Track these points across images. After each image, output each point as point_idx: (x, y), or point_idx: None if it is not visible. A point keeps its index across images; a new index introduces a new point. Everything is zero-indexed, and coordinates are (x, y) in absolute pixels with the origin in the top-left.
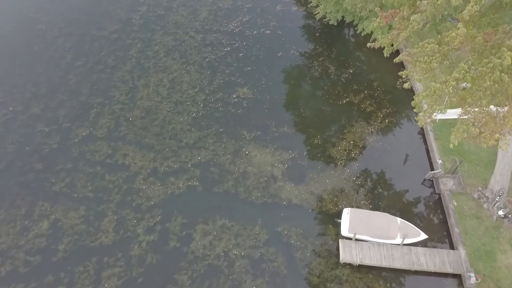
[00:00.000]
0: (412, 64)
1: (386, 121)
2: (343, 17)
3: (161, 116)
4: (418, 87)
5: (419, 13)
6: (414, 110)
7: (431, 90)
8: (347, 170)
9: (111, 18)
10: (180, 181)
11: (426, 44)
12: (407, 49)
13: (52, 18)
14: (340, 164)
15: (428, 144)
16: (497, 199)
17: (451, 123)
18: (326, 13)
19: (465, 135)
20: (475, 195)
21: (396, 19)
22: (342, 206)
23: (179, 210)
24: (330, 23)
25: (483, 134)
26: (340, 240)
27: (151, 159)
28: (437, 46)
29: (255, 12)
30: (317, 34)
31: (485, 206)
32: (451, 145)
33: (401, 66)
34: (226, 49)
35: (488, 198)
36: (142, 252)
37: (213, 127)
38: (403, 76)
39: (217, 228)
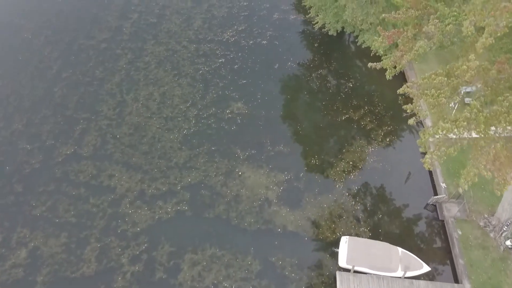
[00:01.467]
0: (417, 97)
1: (387, 139)
2: (343, 27)
3: (150, 133)
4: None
5: (425, 39)
6: (420, 149)
7: (439, 129)
8: (346, 194)
9: (100, 25)
10: (169, 205)
11: (433, 76)
12: (412, 79)
13: (38, 25)
14: (339, 187)
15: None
16: (504, 229)
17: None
18: (325, 23)
19: (476, 179)
20: (481, 223)
21: (399, 39)
22: (340, 234)
23: (166, 237)
24: (329, 33)
25: (497, 180)
26: (337, 273)
27: (139, 181)
28: (445, 79)
29: (252, 20)
30: (315, 45)
31: (491, 235)
32: (460, 189)
33: (403, 79)
34: (220, 61)
35: (494, 227)
36: (126, 284)
37: (205, 145)
38: (408, 111)
39: (206, 258)
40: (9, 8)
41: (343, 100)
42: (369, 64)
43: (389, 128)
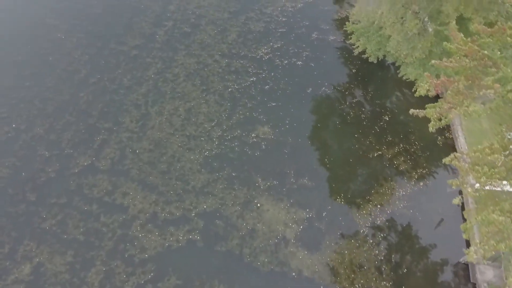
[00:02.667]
0: (465, 172)
1: (421, 184)
2: (384, 56)
3: (170, 151)
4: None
5: (481, 103)
6: (464, 235)
7: (489, 221)
8: (370, 241)
9: (133, 31)
10: (181, 232)
11: (487, 150)
12: (460, 149)
13: (72, 27)
14: (363, 232)
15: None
16: None
17: (500, 196)
18: (366, 48)
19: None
20: None
21: (449, 91)
22: (359, 286)
23: (174, 268)
24: (369, 60)
25: None
26: None
27: (153, 202)
28: (502, 157)
29: (289, 38)
30: (353, 70)
31: None
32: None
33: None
34: (252, 79)
35: None
36: None
37: (225, 170)
38: (453, 187)
39: None
40: (44, 8)
41: (377, 135)
42: (411, 111)
43: (424, 171)
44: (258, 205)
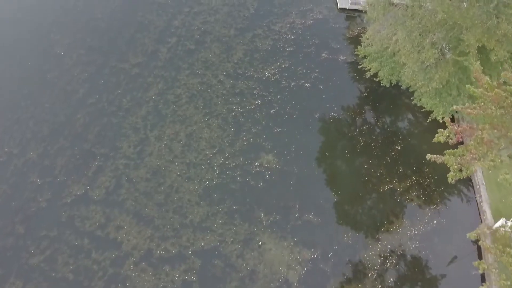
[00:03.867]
0: (493, 254)
1: (434, 222)
2: (398, 81)
3: (169, 181)
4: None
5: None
6: (479, 270)
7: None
8: (379, 286)
9: (135, 48)
10: (176, 272)
11: None
12: (486, 223)
13: (74, 41)
14: (371, 275)
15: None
16: None
17: None
18: (379, 71)
19: None
20: None
21: (471, 141)
22: None
23: None
24: (381, 83)
25: None
26: None
27: (148, 237)
28: None
29: (297, 57)
30: (364, 94)
31: None
32: None
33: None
34: (257, 102)
35: None
36: None
37: (225, 203)
38: (480, 271)
39: None
40: (48, 21)
41: (388, 166)
42: (428, 156)
43: (439, 208)
44: (260, 243)
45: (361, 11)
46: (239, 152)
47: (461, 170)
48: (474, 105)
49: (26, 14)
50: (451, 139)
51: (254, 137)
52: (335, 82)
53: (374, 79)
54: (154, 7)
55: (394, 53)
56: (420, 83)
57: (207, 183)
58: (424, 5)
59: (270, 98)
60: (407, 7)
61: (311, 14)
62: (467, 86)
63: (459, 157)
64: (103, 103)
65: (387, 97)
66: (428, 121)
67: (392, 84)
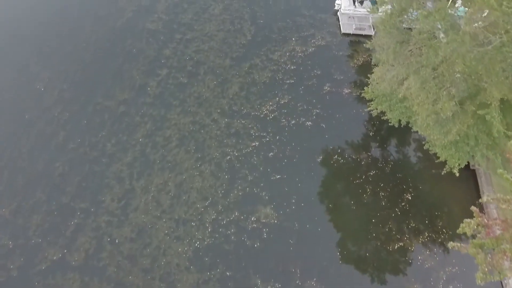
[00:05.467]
0: None
1: (450, 287)
2: (408, 122)
3: (155, 241)
4: None
5: None
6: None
7: None
8: None
9: (123, 82)
10: None
11: None
12: None
13: (55, 74)
14: None
15: None
16: None
17: None
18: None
19: None
20: None
21: (507, 237)
22: None
23: None
24: (389, 123)
25: None
26: None
27: None
28: None
29: (297, 91)
30: (371, 133)
31: None
32: None
33: (476, 193)
34: (254, 144)
35: None
36: None
37: (218, 268)
38: None
39: None
40: (29, 51)
41: (398, 220)
42: (451, 245)
43: (454, 270)
44: None
45: (366, 36)
46: (233, 204)
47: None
48: (508, 196)
49: (1, 42)
50: (479, 232)
51: (251, 186)
52: (338, 119)
53: (382, 117)
54: (144, 34)
55: (404, 97)
56: (435, 137)
57: (197, 244)
58: (440, 52)
59: (268, 139)
60: (421, 50)
61: (312, 41)
62: (499, 171)
63: (489, 256)
64: (85, 147)
65: (396, 138)
66: (442, 173)
67: (402, 125)
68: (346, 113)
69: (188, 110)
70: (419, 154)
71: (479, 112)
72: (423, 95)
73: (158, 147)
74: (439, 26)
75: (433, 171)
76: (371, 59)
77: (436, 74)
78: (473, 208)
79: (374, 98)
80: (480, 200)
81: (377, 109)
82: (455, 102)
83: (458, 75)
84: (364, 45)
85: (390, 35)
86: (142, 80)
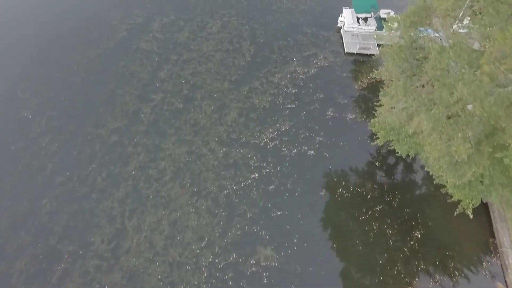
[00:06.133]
0: None
1: None
2: (416, 153)
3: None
4: None
5: None
6: None
7: None
8: None
9: (115, 108)
10: None
11: None
12: None
13: (44, 101)
14: None
15: None
16: None
17: None
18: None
19: None
20: None
21: None
22: None
23: None
24: (397, 153)
25: None
26: None
27: None
28: None
29: (299, 117)
30: (377, 163)
31: None
32: None
33: (489, 228)
34: (253, 176)
35: None
36: None
37: None
38: None
39: None
40: (14, 75)
41: (407, 260)
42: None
43: None
44: None
45: (370, 55)
46: (231, 245)
47: None
48: None
49: None
50: None
51: (250, 224)
52: (342, 148)
53: (389, 146)
54: (138, 55)
55: (414, 133)
56: (449, 180)
57: None
58: (455, 92)
59: (269, 171)
60: (433, 86)
61: (314, 61)
62: None
63: None
64: (74, 182)
65: (404, 168)
66: (455, 214)
67: (410, 157)
68: (350, 141)
69: (184, 138)
70: (429, 186)
71: (497, 155)
72: (435, 135)
73: (152, 181)
74: (454, 64)
75: (444, 205)
76: (376, 80)
77: (450, 113)
78: (498, 285)
79: (381, 131)
80: (492, 239)
81: (382, 139)
82: (470, 144)
83: (476, 118)
84: (368, 64)
85: (400, 68)
86: (136, 106)
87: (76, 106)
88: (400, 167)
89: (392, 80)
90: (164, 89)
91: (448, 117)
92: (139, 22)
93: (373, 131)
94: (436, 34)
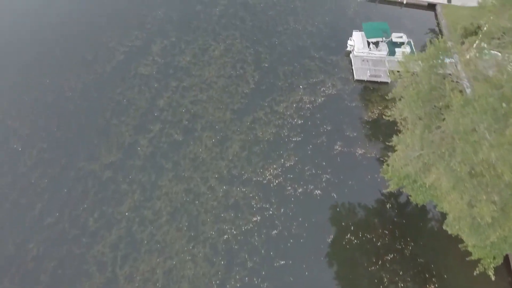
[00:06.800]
0: None
1: None
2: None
3: None
4: None
5: None
6: None
7: None
8: None
9: (110, 140)
10: None
11: None
12: None
13: (35, 131)
14: None
15: None
16: None
17: None
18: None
19: None
20: None
21: None
22: None
23: None
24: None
25: None
26: None
27: None
28: None
29: (305, 151)
30: (388, 205)
31: None
32: None
33: (510, 280)
34: (255, 219)
35: None
36: None
37: None
38: None
39: None
40: (4, 102)
41: None
42: None
43: None
44: None
45: (381, 83)
46: None
47: None
48: None
49: None
50: None
51: (250, 275)
52: (351, 187)
53: (401, 190)
54: (136, 81)
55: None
56: (471, 243)
57: None
58: (481, 154)
59: (272, 212)
60: (453, 138)
61: (322, 89)
62: None
63: None
64: (63, 224)
65: (417, 212)
66: (475, 273)
67: (425, 204)
68: (359, 179)
69: (182, 175)
70: (445, 232)
71: None
72: (456, 195)
73: (146, 223)
74: (479, 120)
75: (461, 255)
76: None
77: (473, 172)
78: None
79: (394, 178)
80: None
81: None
82: (495, 206)
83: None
84: (379, 93)
85: (416, 116)
86: (132, 138)
87: (68, 137)
88: (414, 209)
89: (404, 121)
90: (163, 119)
91: (471, 175)
92: (138, 45)
93: (385, 178)
94: (452, 60)
